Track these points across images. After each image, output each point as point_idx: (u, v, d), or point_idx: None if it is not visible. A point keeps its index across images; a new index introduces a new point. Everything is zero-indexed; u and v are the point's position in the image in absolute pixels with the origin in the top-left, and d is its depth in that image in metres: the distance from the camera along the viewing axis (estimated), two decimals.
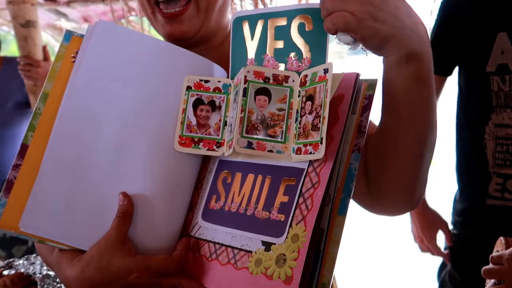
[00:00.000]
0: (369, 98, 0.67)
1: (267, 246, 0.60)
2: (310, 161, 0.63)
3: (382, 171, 0.73)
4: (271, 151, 0.64)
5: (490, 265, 0.93)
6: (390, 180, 0.73)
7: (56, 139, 0.70)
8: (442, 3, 1.47)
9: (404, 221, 1.75)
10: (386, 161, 0.72)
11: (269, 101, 0.66)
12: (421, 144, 0.69)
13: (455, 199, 1.58)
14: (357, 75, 0.65)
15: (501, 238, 0.98)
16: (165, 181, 0.71)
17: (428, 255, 1.67)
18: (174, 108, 0.73)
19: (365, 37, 0.59)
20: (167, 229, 0.71)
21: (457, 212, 1.56)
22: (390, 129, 0.70)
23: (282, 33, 0.68)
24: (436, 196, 1.87)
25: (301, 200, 0.60)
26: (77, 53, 0.74)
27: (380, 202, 0.78)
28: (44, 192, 0.69)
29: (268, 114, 0.66)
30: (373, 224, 4.38)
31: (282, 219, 0.61)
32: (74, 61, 0.74)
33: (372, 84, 0.67)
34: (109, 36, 0.75)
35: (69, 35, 0.77)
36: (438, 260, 1.68)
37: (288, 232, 0.59)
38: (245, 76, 0.66)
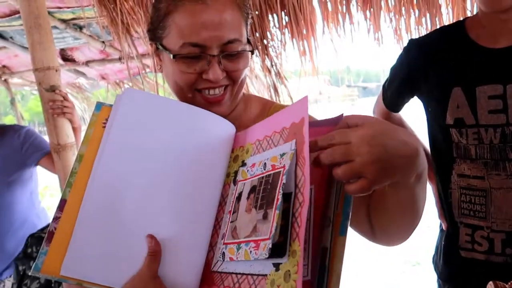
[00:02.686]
0: None
1: (277, 266, 0.67)
2: (295, 183, 0.69)
3: (383, 225, 0.84)
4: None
5: None
6: (391, 231, 0.85)
7: (90, 194, 0.79)
8: (401, 55, 1.51)
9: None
10: (386, 220, 0.83)
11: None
12: (420, 204, 0.78)
13: (436, 248, 1.58)
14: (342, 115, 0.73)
15: (491, 282, 1.02)
16: (188, 222, 0.80)
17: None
18: (200, 166, 0.82)
19: (382, 185, 0.66)
20: (190, 266, 0.79)
21: (436, 264, 1.56)
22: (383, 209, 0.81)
23: None
24: None
25: (293, 220, 0.67)
26: (107, 120, 0.85)
27: (383, 241, 0.89)
28: (82, 240, 0.77)
29: None
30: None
31: (282, 240, 0.67)
32: (104, 127, 0.84)
33: None
34: (136, 102, 0.85)
35: (99, 105, 0.88)
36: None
37: (288, 250, 0.66)
38: None
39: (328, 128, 0.73)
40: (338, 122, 0.73)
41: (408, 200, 0.75)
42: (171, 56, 0.88)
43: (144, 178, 0.81)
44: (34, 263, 0.77)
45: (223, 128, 0.88)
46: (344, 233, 0.69)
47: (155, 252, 0.76)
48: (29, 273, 0.81)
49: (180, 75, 0.90)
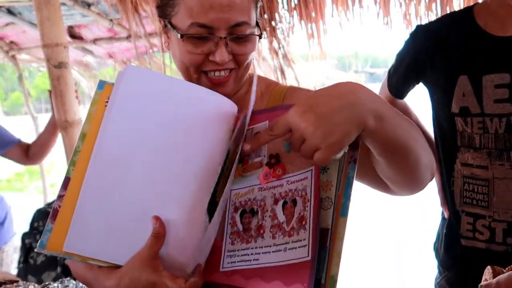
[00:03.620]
0: None
1: None
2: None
3: (386, 175, 0.84)
4: None
5: None
6: (396, 179, 0.84)
7: (92, 172, 0.79)
8: (408, 40, 1.50)
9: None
10: (385, 170, 0.82)
11: None
12: (408, 146, 0.77)
13: (437, 235, 1.59)
14: None
15: (489, 267, 1.03)
16: (189, 200, 0.80)
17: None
18: (202, 143, 0.82)
19: (341, 146, 0.68)
20: (189, 245, 0.79)
21: (437, 251, 1.57)
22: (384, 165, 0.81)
23: None
24: None
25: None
26: (109, 98, 0.84)
27: (397, 191, 0.89)
28: (84, 217, 0.78)
29: None
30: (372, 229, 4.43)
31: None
32: (107, 105, 0.84)
33: None
34: (138, 80, 0.84)
35: (102, 84, 0.88)
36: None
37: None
38: None
39: (282, 111, 0.75)
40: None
41: (386, 146, 0.74)
42: (179, 35, 0.88)
43: (146, 155, 0.81)
44: (40, 240, 0.78)
45: (225, 107, 0.87)
46: (345, 214, 0.70)
47: (159, 234, 0.77)
48: (35, 249, 0.82)
49: (186, 55, 0.90)
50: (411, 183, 0.84)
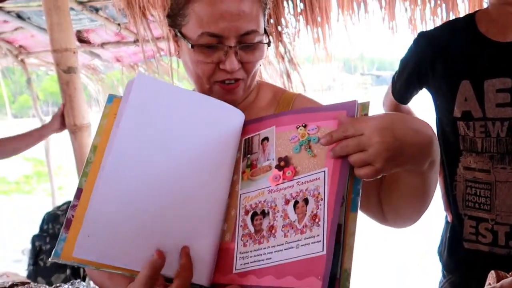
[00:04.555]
0: None
1: None
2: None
3: (394, 206, 0.88)
4: None
5: None
6: (401, 213, 0.88)
7: (101, 182, 0.80)
8: (411, 47, 1.52)
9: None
10: (397, 202, 0.86)
11: None
12: (432, 188, 0.82)
13: (441, 239, 1.60)
14: (356, 102, 0.78)
15: (492, 271, 1.04)
16: (199, 210, 0.82)
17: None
18: (212, 153, 0.84)
19: (389, 172, 0.72)
20: (201, 259, 0.80)
21: (441, 255, 1.59)
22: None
23: None
24: None
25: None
26: (119, 108, 0.85)
27: (392, 224, 0.92)
28: (93, 224, 0.78)
29: None
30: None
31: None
32: (116, 116, 0.85)
33: (366, 105, 0.79)
34: (146, 89, 0.85)
35: (111, 97, 0.90)
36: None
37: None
38: None
39: (338, 113, 0.78)
40: (351, 107, 0.78)
41: (420, 185, 0.79)
42: (189, 45, 0.90)
43: (154, 165, 0.82)
44: (54, 250, 0.80)
45: (233, 116, 0.89)
46: (355, 209, 0.73)
47: (157, 269, 0.76)
48: (50, 259, 0.84)
49: (197, 65, 0.92)
50: (412, 218, 0.89)
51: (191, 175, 0.83)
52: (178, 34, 0.94)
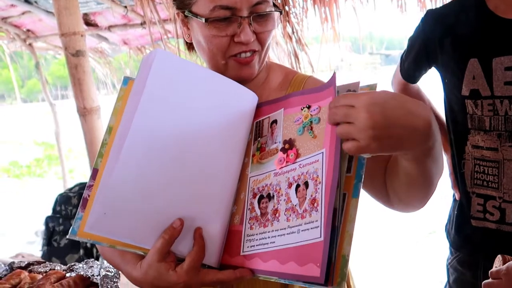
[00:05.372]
0: None
1: None
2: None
3: (396, 192, 0.87)
4: None
5: (490, 280, 1.02)
6: (404, 199, 0.87)
7: (124, 153, 0.78)
8: (418, 25, 1.50)
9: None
10: (398, 188, 0.85)
11: None
12: (432, 178, 0.80)
13: (449, 216, 1.61)
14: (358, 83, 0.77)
15: (499, 255, 1.06)
16: (212, 189, 0.82)
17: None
18: (226, 133, 0.85)
19: (375, 153, 0.67)
20: (212, 237, 0.82)
21: (449, 233, 1.60)
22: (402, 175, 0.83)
23: None
24: None
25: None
26: (135, 81, 0.85)
27: (398, 208, 0.92)
28: (105, 199, 0.77)
29: None
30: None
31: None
32: (133, 86, 0.84)
33: (373, 87, 0.78)
34: (167, 65, 0.84)
35: (126, 80, 0.91)
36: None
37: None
38: None
39: (327, 92, 0.78)
40: (332, 84, 0.77)
41: (418, 174, 0.76)
42: (203, 20, 0.90)
43: (171, 143, 0.81)
44: (71, 228, 0.82)
45: (247, 98, 0.90)
46: (357, 195, 0.72)
47: (172, 237, 0.78)
48: (67, 236, 0.85)
49: (212, 40, 0.92)
50: (415, 206, 0.87)
51: (205, 156, 0.83)
52: (188, 14, 0.94)
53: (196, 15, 0.92)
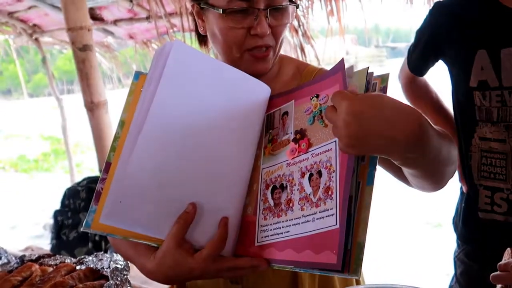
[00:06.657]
0: (384, 90, 0.77)
1: None
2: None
3: (411, 180, 0.86)
4: None
5: (498, 272, 1.02)
6: (422, 182, 0.86)
7: (140, 143, 0.79)
8: (426, 17, 1.49)
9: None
10: (411, 179, 0.85)
11: None
12: (439, 171, 0.80)
13: (456, 209, 1.60)
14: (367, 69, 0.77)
15: (508, 249, 1.06)
16: (225, 180, 0.83)
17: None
18: (240, 125, 0.86)
19: (360, 154, 0.70)
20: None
21: (456, 225, 1.59)
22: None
23: None
24: None
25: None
26: (150, 71, 0.85)
27: (417, 189, 0.92)
28: (120, 191, 0.78)
29: None
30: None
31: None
32: (147, 77, 0.84)
33: (385, 77, 0.78)
34: (183, 57, 0.85)
35: (137, 74, 0.91)
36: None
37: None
38: None
39: (334, 79, 0.78)
40: (339, 69, 0.77)
41: (418, 173, 0.76)
42: (221, 11, 0.90)
43: (186, 134, 0.82)
44: (85, 220, 0.82)
45: (260, 90, 0.91)
46: (371, 183, 0.72)
47: (187, 221, 0.79)
48: (81, 229, 0.86)
49: (228, 32, 0.92)
50: (430, 190, 0.88)
51: (219, 147, 0.84)
52: (205, 5, 0.94)
53: (213, 6, 0.92)
